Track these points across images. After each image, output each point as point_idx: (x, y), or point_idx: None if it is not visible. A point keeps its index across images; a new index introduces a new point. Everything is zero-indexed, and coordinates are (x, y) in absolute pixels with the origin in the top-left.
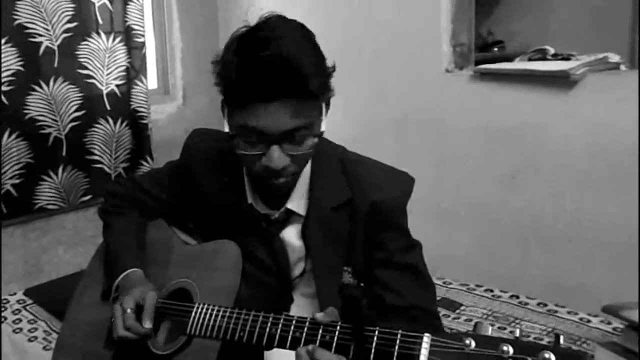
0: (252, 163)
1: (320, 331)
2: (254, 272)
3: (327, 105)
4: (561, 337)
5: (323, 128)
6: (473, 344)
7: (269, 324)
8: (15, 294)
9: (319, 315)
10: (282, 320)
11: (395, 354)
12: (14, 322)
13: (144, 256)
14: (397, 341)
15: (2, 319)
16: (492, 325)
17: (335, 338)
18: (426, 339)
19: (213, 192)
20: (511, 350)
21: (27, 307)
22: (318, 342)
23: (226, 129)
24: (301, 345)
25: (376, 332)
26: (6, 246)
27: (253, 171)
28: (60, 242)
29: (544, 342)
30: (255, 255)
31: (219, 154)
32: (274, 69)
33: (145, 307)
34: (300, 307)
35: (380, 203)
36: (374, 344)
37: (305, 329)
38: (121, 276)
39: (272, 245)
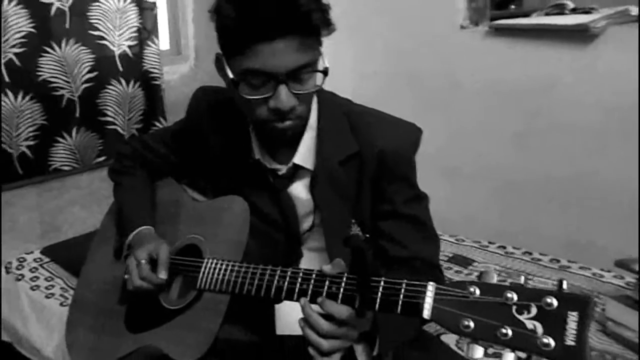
0: (258, 108)
1: (327, 283)
2: (262, 228)
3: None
4: (564, 282)
5: (326, 64)
6: (477, 291)
7: (276, 277)
8: (32, 252)
9: (326, 267)
10: (289, 273)
11: (400, 302)
12: (31, 279)
13: (154, 214)
14: (402, 290)
15: (20, 277)
16: (504, 281)
17: (342, 289)
18: (430, 287)
19: (220, 149)
20: (515, 296)
21: (44, 265)
22: (325, 293)
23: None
24: (308, 296)
25: (381, 282)
26: (23, 206)
27: (259, 117)
28: (75, 202)
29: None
30: (263, 211)
31: (224, 111)
32: (275, 7)
33: (159, 259)
34: (309, 261)
35: (386, 153)
36: (379, 294)
37: (312, 281)
38: (132, 234)
39: (280, 200)
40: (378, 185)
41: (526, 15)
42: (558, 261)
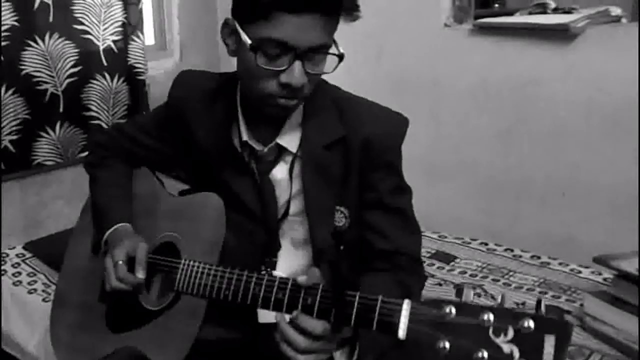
0: (267, 80)
1: (302, 294)
2: (240, 220)
3: None
4: (542, 303)
5: (341, 50)
6: (454, 311)
7: (252, 284)
8: (14, 247)
9: (302, 279)
10: (265, 281)
11: (375, 320)
12: (13, 275)
13: (131, 209)
14: (377, 308)
15: (2, 273)
16: (486, 277)
17: (317, 302)
18: (406, 306)
19: (202, 133)
20: (492, 318)
21: (27, 261)
22: (300, 306)
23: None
24: (284, 307)
25: (357, 298)
26: (5, 201)
27: (265, 89)
28: (58, 197)
29: (525, 308)
30: (242, 200)
31: (209, 93)
32: None
33: (137, 258)
34: (290, 254)
35: (373, 140)
36: (354, 310)
37: (288, 291)
38: (109, 231)
39: (261, 188)
40: (364, 172)
41: (510, 14)
42: (539, 258)
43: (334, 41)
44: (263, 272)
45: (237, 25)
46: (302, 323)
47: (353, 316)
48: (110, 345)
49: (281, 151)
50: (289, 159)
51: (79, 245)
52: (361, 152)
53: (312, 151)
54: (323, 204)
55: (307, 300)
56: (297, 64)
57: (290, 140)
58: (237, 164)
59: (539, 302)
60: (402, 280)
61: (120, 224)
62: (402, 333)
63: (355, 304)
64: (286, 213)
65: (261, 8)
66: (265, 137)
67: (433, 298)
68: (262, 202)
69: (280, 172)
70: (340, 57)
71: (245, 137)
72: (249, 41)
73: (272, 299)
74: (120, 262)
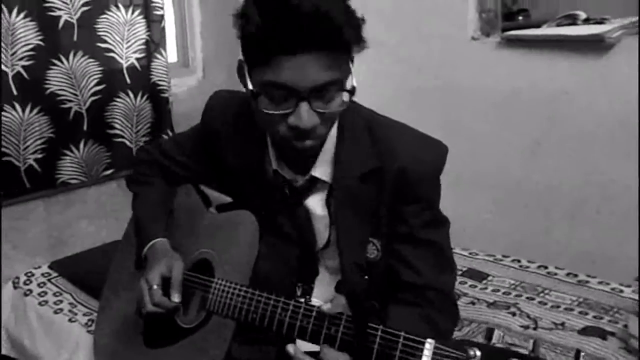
0: (277, 124)
1: (326, 323)
2: (276, 243)
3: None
4: (581, 355)
5: (354, 83)
6: (478, 354)
7: (279, 309)
8: (40, 267)
9: (325, 307)
10: (291, 307)
11: (397, 358)
12: (39, 294)
13: (168, 225)
14: (399, 345)
15: (28, 292)
16: (520, 296)
17: (340, 333)
18: (428, 345)
19: (235, 156)
20: None
21: (52, 280)
22: (323, 335)
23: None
24: (307, 335)
25: (379, 332)
26: (30, 220)
27: (278, 133)
28: (83, 216)
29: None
30: (278, 225)
31: (241, 116)
32: (305, 18)
33: (172, 281)
34: (325, 281)
35: (408, 169)
36: (376, 345)
37: (312, 320)
38: (147, 246)
39: (296, 214)
40: (396, 203)
41: (536, 26)
42: (575, 275)
43: (351, 72)
44: (300, 299)
45: (245, 69)
46: (324, 357)
47: (374, 352)
48: None
49: (315, 181)
50: (324, 189)
51: (123, 257)
52: (395, 183)
53: (346, 182)
54: (355, 236)
55: (330, 329)
56: (303, 106)
57: (324, 171)
58: (270, 190)
59: (577, 353)
60: (430, 315)
61: (157, 240)
62: None
63: (377, 339)
64: (328, 243)
65: (259, 52)
66: (297, 166)
67: (458, 339)
68: (298, 227)
69: (315, 202)
70: (351, 91)
71: (275, 166)
72: (250, 87)
73: (297, 326)
74: (155, 287)
